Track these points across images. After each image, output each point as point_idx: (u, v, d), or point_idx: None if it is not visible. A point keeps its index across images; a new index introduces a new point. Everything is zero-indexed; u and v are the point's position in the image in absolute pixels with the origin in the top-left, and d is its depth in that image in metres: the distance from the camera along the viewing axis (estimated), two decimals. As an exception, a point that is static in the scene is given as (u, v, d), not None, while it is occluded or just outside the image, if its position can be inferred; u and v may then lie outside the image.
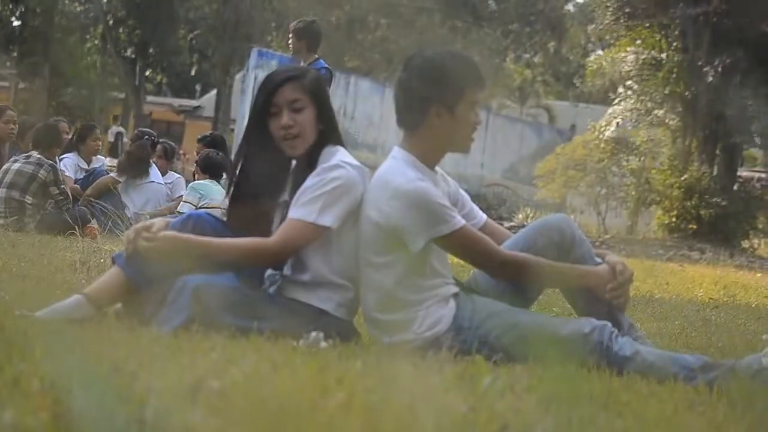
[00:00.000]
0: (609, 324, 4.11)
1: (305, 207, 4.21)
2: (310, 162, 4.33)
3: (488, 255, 4.23)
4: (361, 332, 4.42)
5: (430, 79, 4.24)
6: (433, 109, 4.22)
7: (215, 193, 10.19)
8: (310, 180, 4.26)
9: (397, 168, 4.23)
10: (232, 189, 4.49)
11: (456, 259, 4.46)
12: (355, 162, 4.34)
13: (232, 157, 4.77)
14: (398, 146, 4.33)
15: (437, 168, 4.40)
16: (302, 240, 4.22)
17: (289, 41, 10.78)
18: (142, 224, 4.26)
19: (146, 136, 12.28)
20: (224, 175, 10.71)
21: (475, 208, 4.62)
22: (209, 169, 10.58)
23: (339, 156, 4.32)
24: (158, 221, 4.30)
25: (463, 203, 4.55)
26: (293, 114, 4.31)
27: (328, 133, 4.40)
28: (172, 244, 4.13)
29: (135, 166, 11.38)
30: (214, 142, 11.71)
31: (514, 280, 4.30)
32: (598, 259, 4.39)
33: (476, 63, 4.35)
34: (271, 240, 4.23)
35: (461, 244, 4.19)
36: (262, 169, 4.41)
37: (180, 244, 4.14)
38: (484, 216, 4.64)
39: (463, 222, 4.17)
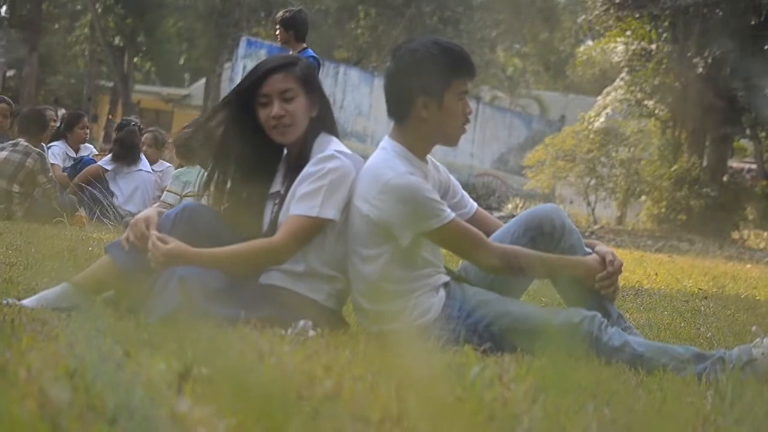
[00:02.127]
0: (599, 314, 4.10)
1: (306, 201, 4.19)
2: (302, 151, 4.31)
3: (478, 247, 4.22)
4: (350, 322, 4.42)
5: (416, 71, 4.21)
6: (419, 100, 4.21)
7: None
8: (307, 171, 4.24)
9: (387, 160, 4.20)
10: (216, 177, 4.45)
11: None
12: (348, 151, 4.32)
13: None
14: (388, 136, 4.31)
15: (429, 156, 4.38)
16: (308, 235, 4.21)
17: (277, 32, 10.71)
18: (141, 218, 4.23)
19: (133, 123, 12.25)
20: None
21: (466, 196, 4.60)
22: (182, 150, 10.32)
23: (333, 146, 4.29)
24: (151, 212, 4.28)
25: (454, 191, 4.54)
26: (284, 103, 4.28)
27: (321, 122, 4.37)
28: (179, 260, 4.10)
29: (128, 154, 11.29)
30: None
31: (504, 272, 4.28)
32: (588, 249, 4.39)
33: (464, 52, 4.31)
34: (276, 239, 4.21)
35: (451, 237, 4.18)
36: (251, 158, 4.38)
37: (187, 259, 4.11)
38: (475, 205, 4.63)
39: (452, 215, 4.15)
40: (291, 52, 10.37)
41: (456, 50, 4.28)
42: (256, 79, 4.32)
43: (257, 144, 4.35)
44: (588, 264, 4.31)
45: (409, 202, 4.08)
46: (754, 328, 4.31)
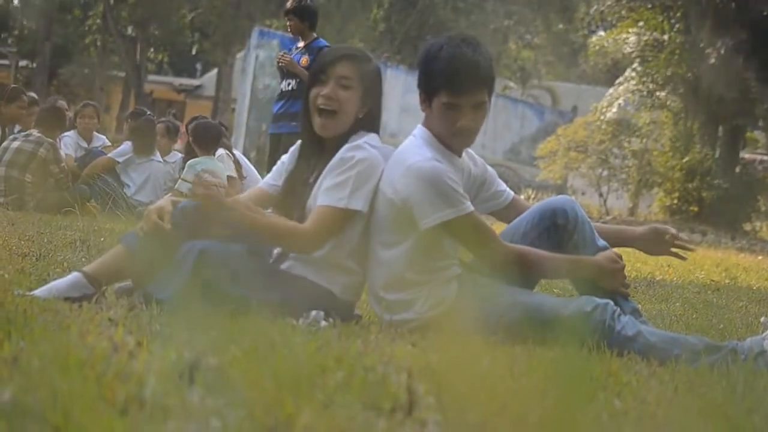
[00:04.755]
0: (611, 302, 4.09)
1: (334, 192, 4.19)
2: (339, 145, 4.30)
3: (491, 245, 4.22)
4: (362, 314, 4.42)
5: (420, 66, 4.28)
6: (420, 93, 4.27)
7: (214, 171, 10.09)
8: (335, 161, 4.24)
9: (414, 146, 4.23)
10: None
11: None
12: (380, 145, 4.32)
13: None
14: (421, 124, 4.33)
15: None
16: (335, 227, 4.21)
17: (288, 23, 10.64)
18: (154, 208, 4.24)
19: (148, 113, 12.25)
20: (219, 150, 10.57)
21: (503, 186, 4.62)
22: (202, 141, 10.37)
23: (366, 138, 4.29)
24: (165, 203, 4.29)
25: (490, 183, 4.56)
26: (338, 89, 4.29)
27: (365, 122, 4.36)
28: (219, 203, 4.14)
29: (148, 143, 11.28)
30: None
31: (514, 272, 4.28)
32: (601, 242, 4.37)
33: (464, 67, 4.17)
34: (305, 227, 4.20)
35: (466, 230, 4.17)
36: (303, 145, 4.46)
37: (221, 205, 4.14)
38: (512, 194, 4.66)
39: (471, 209, 4.14)
40: (302, 42, 10.35)
41: (453, 62, 4.18)
42: (328, 60, 4.36)
43: (308, 130, 4.37)
44: (599, 265, 4.30)
45: (430, 187, 4.08)
46: (762, 319, 4.30)
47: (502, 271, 4.27)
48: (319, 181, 4.27)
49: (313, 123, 4.33)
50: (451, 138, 4.24)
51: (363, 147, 4.24)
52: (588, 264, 4.30)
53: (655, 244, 4.62)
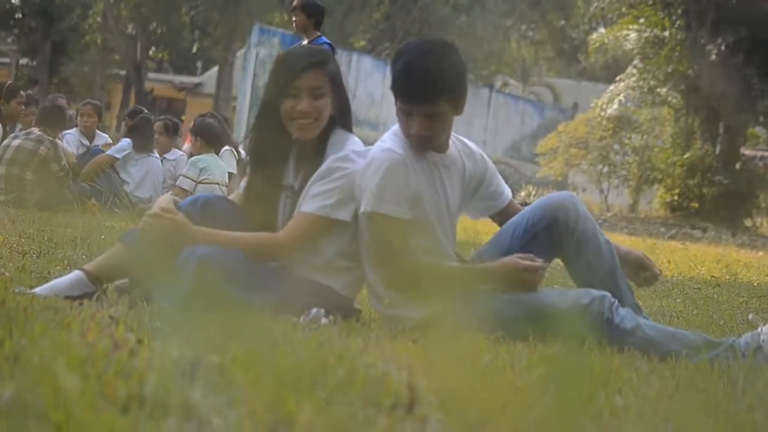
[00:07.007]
0: (608, 294, 4.06)
1: (319, 200, 4.18)
2: (317, 147, 4.29)
3: (399, 260, 4.15)
4: (362, 309, 4.42)
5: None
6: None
7: (216, 168, 10.14)
8: (323, 169, 4.22)
9: (384, 138, 4.25)
10: (247, 167, 4.48)
11: (459, 236, 4.44)
12: (363, 149, 4.31)
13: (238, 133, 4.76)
14: None
15: (468, 143, 4.39)
16: (315, 234, 4.21)
17: (293, 18, 10.64)
18: (159, 203, 4.24)
19: (145, 111, 12.28)
20: (224, 147, 10.70)
21: (502, 186, 4.57)
22: (206, 135, 10.51)
23: (349, 145, 4.29)
24: (166, 198, 4.29)
25: (489, 181, 4.51)
26: (313, 100, 4.26)
27: (339, 119, 4.36)
28: (176, 229, 4.12)
29: (146, 140, 11.28)
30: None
31: (406, 290, 4.18)
32: (603, 237, 4.35)
33: (415, 76, 4.10)
34: (281, 235, 4.20)
35: (381, 233, 4.13)
36: (266, 149, 4.39)
37: (189, 235, 4.12)
38: (509, 197, 4.58)
39: (402, 216, 4.09)
40: (306, 40, 10.34)
41: (406, 70, 4.13)
42: (295, 72, 4.31)
43: (274, 135, 4.34)
44: (493, 271, 4.19)
45: (372, 173, 4.09)
46: (750, 316, 4.30)
47: (392, 289, 4.20)
48: (306, 188, 4.25)
49: (289, 129, 4.31)
50: (408, 138, 4.21)
51: (351, 159, 4.23)
52: (486, 273, 4.23)
53: (631, 270, 4.53)
